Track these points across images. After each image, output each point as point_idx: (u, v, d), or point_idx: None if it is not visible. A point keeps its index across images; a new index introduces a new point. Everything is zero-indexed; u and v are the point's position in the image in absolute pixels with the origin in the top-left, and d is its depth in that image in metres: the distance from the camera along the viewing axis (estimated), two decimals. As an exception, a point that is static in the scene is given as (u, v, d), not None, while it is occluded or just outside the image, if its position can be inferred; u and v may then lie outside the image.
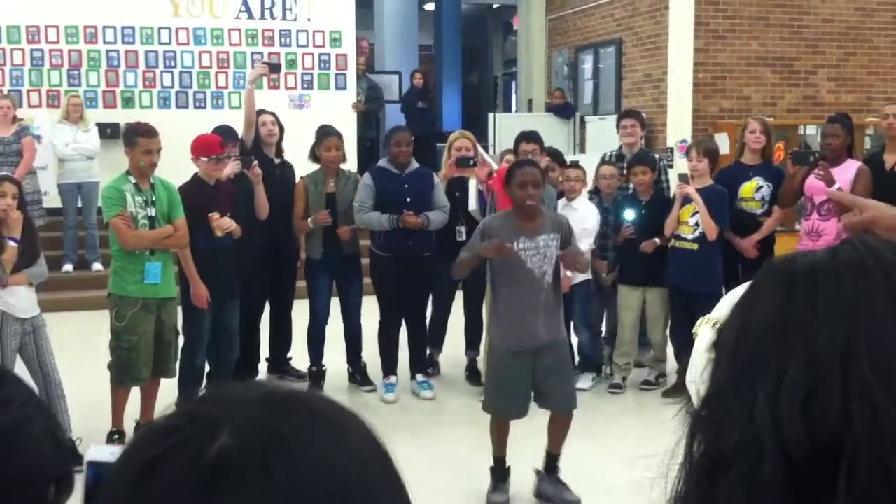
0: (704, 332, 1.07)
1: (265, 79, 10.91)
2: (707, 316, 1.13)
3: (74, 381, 5.84)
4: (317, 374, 6.68)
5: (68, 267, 9.93)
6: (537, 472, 4.77)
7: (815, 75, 12.21)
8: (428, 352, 6.92)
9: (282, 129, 6.77)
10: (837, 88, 12.25)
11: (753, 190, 6.65)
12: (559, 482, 4.74)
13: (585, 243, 6.47)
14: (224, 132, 6.30)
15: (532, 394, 4.74)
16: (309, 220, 6.43)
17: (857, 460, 0.74)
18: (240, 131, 6.59)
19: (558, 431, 4.75)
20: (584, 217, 6.47)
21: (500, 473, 4.75)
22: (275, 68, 7.50)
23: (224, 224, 5.75)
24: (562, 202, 6.55)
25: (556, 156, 7.03)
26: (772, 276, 0.87)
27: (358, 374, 6.74)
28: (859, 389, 0.76)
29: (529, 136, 6.63)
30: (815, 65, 12.20)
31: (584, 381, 6.70)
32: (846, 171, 6.34)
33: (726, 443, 0.79)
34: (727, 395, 0.82)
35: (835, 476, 0.74)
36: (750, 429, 0.78)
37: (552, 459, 4.78)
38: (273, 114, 6.79)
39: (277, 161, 6.72)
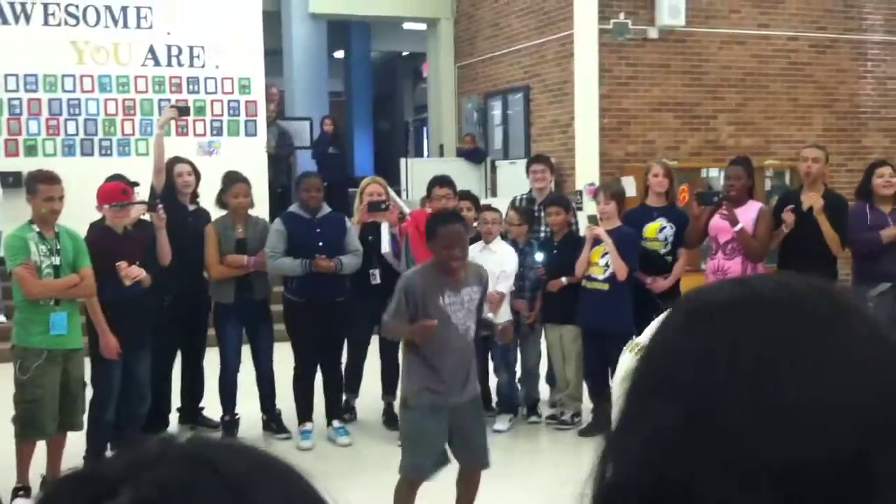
0: (624, 359, 1.06)
1: (174, 125, 10.81)
2: (634, 340, 1.12)
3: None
4: (229, 422, 6.56)
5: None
6: None
7: (715, 119, 12.62)
8: (344, 398, 6.87)
9: (198, 177, 6.71)
10: (737, 132, 12.68)
11: (657, 230, 6.82)
12: None
13: (504, 285, 6.57)
14: (119, 180, 6.18)
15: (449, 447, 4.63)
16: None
17: None
18: (149, 177, 6.50)
19: (470, 489, 4.65)
20: (502, 259, 6.56)
21: None
22: (183, 111, 7.44)
23: (133, 273, 5.65)
24: (479, 245, 6.60)
25: (471, 199, 7.11)
26: (681, 309, 0.86)
27: (273, 422, 6.65)
28: (706, 460, 0.74)
29: (443, 181, 6.69)
30: (715, 110, 12.62)
31: (502, 423, 6.73)
32: (749, 212, 6.57)
33: (611, 477, 0.79)
34: (622, 426, 0.82)
35: None
36: (624, 469, 0.78)
37: None
38: (189, 162, 6.73)
39: (192, 208, 6.65)
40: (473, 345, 4.66)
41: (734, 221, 6.43)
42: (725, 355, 0.77)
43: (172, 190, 6.50)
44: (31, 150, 11.05)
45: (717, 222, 6.60)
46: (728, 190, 6.70)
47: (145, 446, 0.71)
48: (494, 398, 7.02)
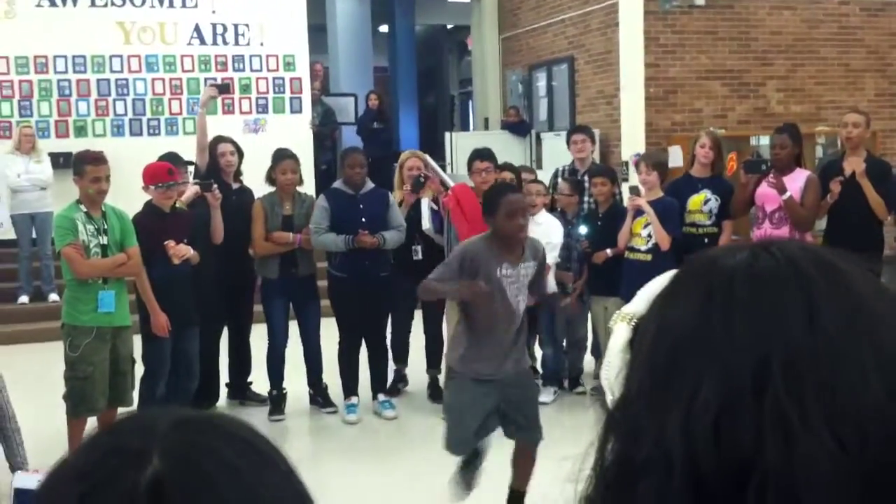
0: (620, 329, 1.02)
1: (219, 103, 10.93)
2: (622, 310, 1.08)
3: (31, 414, 5.77)
4: (277, 397, 6.64)
5: (24, 298, 9.81)
6: None
7: (764, 87, 12.40)
8: (395, 368, 6.95)
9: (241, 156, 6.76)
10: (787, 99, 12.44)
11: (701, 203, 6.74)
12: None
13: (550, 257, 6.54)
14: (171, 159, 6.27)
15: (500, 425, 4.59)
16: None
17: (767, 487, 0.71)
18: (194, 156, 6.57)
19: (525, 465, 4.58)
20: (548, 231, 6.56)
21: None
22: (224, 89, 7.48)
23: (180, 251, 5.73)
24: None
25: (513, 170, 7.09)
26: (691, 275, 0.83)
27: (319, 397, 6.71)
28: (772, 413, 0.72)
29: (483, 154, 6.67)
30: (764, 77, 12.39)
31: (547, 395, 6.74)
32: (796, 181, 6.45)
33: (637, 453, 0.76)
34: (641, 401, 0.78)
35: (744, 500, 0.71)
36: (662, 443, 0.75)
37: (518, 498, 4.61)
38: (232, 141, 6.78)
39: (236, 186, 6.71)
40: (524, 319, 4.59)
41: (782, 190, 6.33)
42: (805, 315, 0.75)
43: (216, 169, 6.56)
44: (80, 131, 11.22)
45: (764, 191, 6.50)
46: (773, 158, 6.60)
47: (146, 416, 0.76)
48: (539, 370, 7.02)
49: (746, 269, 0.79)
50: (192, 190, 6.12)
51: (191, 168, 6.32)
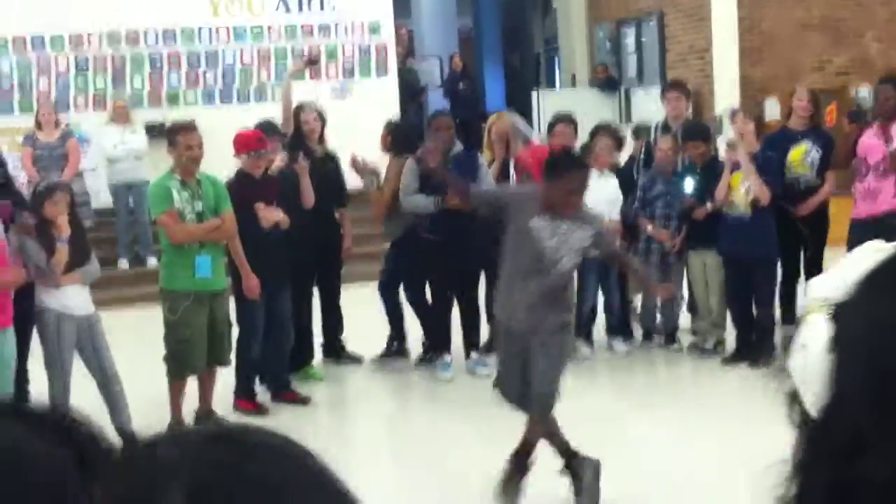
0: (818, 323, 0.87)
1: (307, 70, 10.98)
2: (815, 295, 0.92)
3: (134, 376, 5.93)
4: (398, 347, 6.79)
5: (124, 264, 10.07)
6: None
7: (863, 37, 11.93)
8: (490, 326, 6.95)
9: (323, 122, 6.80)
10: (887, 49, 11.95)
11: (803, 154, 6.54)
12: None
13: (615, 212, 6.61)
14: (265, 128, 6.33)
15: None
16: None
17: None
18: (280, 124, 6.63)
19: (526, 432, 4.32)
20: (616, 188, 6.59)
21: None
22: (313, 61, 7.51)
23: (270, 215, 5.79)
24: (594, 173, 6.63)
25: (610, 131, 7.02)
26: None
27: (426, 353, 6.75)
28: None
29: (564, 118, 6.59)
30: (863, 26, 11.92)
31: (618, 345, 6.84)
32: (901, 130, 6.19)
33: (868, 472, 0.68)
34: (865, 415, 0.70)
35: None
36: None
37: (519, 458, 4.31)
38: (315, 108, 6.82)
39: (320, 153, 6.74)
40: (563, 279, 4.37)
41: (889, 139, 6.09)
42: None
43: (300, 136, 6.61)
44: (173, 99, 11.42)
45: (868, 141, 6.27)
46: (878, 108, 6.35)
47: (188, 432, 0.75)
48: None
49: None
50: (279, 160, 6.20)
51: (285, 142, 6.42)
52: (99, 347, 5.17)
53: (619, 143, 6.96)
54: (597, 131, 6.96)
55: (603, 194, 6.35)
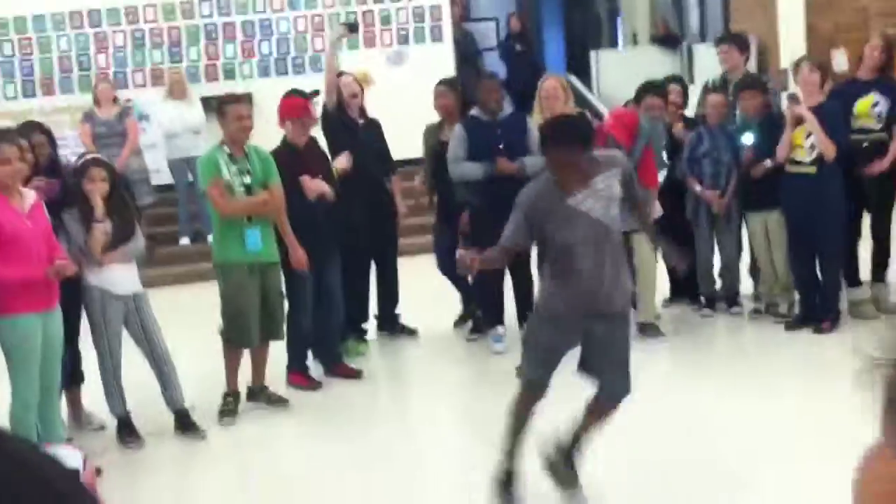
0: None
1: (361, 37, 10.88)
2: None
3: (192, 352, 5.98)
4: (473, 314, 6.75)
5: (185, 240, 10.15)
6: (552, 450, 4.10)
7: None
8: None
9: (362, 89, 6.70)
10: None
11: (870, 106, 6.23)
12: (571, 468, 4.09)
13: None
14: (298, 95, 6.20)
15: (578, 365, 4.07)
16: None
17: None
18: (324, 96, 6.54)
19: (595, 421, 4.04)
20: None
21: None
22: (353, 28, 7.34)
23: (316, 186, 5.73)
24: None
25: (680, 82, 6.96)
26: None
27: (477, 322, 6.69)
28: None
29: (655, 89, 6.22)
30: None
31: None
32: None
33: None
34: None
35: None
36: None
37: (574, 443, 4.06)
38: (352, 75, 6.72)
39: (362, 122, 6.64)
40: (620, 239, 4.04)
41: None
42: None
43: (341, 105, 6.51)
44: (229, 74, 11.42)
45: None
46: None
47: None
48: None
49: None
50: (343, 162, 6.12)
51: (317, 100, 6.26)
52: (148, 325, 5.18)
53: (667, 100, 6.57)
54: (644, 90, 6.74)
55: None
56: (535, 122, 6.41)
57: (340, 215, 5.94)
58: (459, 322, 6.91)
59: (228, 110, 5.48)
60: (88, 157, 5.40)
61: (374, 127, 6.70)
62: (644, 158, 6.02)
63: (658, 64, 12.12)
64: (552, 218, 3.89)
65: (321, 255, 5.75)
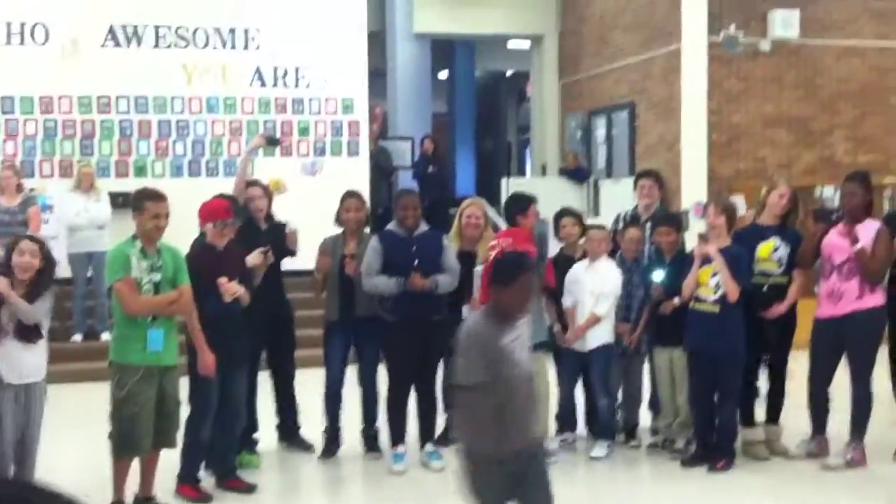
0: None
1: (279, 146, 10.93)
2: None
3: (80, 454, 5.70)
4: (333, 435, 6.50)
5: (77, 337, 9.82)
6: None
7: (830, 136, 12.10)
8: (447, 416, 6.74)
9: (269, 198, 6.71)
10: (854, 149, 12.13)
11: (771, 250, 6.47)
12: None
13: (603, 307, 6.38)
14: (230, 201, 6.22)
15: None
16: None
17: None
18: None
19: None
20: (604, 279, 6.42)
21: None
22: (273, 142, 7.42)
23: (232, 289, 5.64)
24: (584, 263, 6.62)
25: (575, 215, 7.01)
26: None
27: (368, 441, 6.55)
28: None
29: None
30: (830, 125, 12.10)
31: (600, 449, 6.49)
32: (867, 231, 6.16)
33: None
34: None
35: None
36: None
37: None
38: (262, 185, 6.75)
39: (265, 227, 6.60)
40: (535, 381, 4.14)
41: (855, 240, 6.05)
42: None
43: (247, 211, 6.49)
44: (140, 171, 11.30)
45: (832, 241, 6.22)
46: (844, 207, 6.31)
47: None
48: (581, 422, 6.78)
49: None
50: (257, 258, 6.06)
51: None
52: (32, 422, 4.94)
53: (582, 228, 6.89)
54: (561, 215, 6.94)
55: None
56: (451, 244, 6.48)
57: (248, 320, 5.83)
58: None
59: (147, 206, 5.33)
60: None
61: (278, 231, 6.61)
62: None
63: (566, 194, 12.48)
64: (494, 355, 3.75)
65: (230, 361, 5.61)
